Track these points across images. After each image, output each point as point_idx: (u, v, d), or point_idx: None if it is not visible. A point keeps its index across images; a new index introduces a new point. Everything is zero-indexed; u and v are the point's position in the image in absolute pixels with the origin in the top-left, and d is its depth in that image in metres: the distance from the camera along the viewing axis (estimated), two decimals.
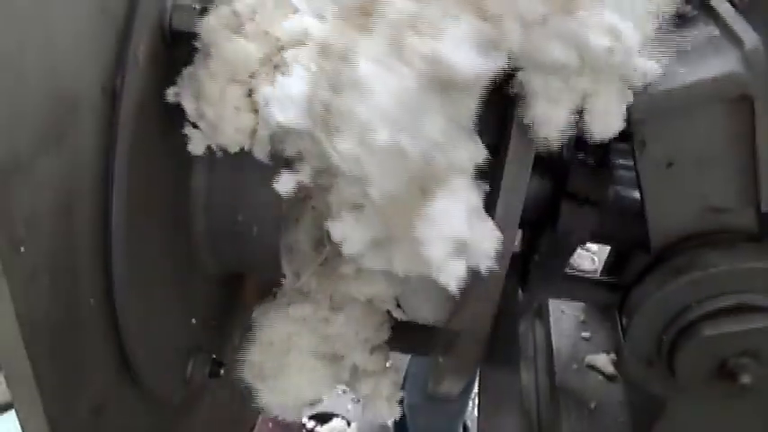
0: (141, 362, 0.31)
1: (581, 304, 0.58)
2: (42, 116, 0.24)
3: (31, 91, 0.23)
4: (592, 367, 0.54)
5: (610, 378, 0.53)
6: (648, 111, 0.27)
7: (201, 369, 0.38)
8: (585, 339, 0.56)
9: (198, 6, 0.28)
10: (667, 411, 0.36)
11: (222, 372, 0.39)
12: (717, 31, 0.28)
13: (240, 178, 0.33)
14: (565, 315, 0.59)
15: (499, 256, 0.28)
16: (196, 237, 0.35)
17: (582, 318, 0.59)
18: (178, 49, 0.29)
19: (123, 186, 0.27)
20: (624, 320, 0.33)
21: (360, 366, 0.41)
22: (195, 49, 0.29)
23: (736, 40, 0.26)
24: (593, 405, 0.51)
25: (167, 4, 0.28)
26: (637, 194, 0.31)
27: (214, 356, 0.38)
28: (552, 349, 0.55)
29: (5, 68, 0.22)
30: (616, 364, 0.53)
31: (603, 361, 0.54)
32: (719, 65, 0.26)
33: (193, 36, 0.28)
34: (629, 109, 0.28)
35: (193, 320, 0.38)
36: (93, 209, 0.27)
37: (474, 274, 0.31)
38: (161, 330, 0.33)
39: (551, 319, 0.58)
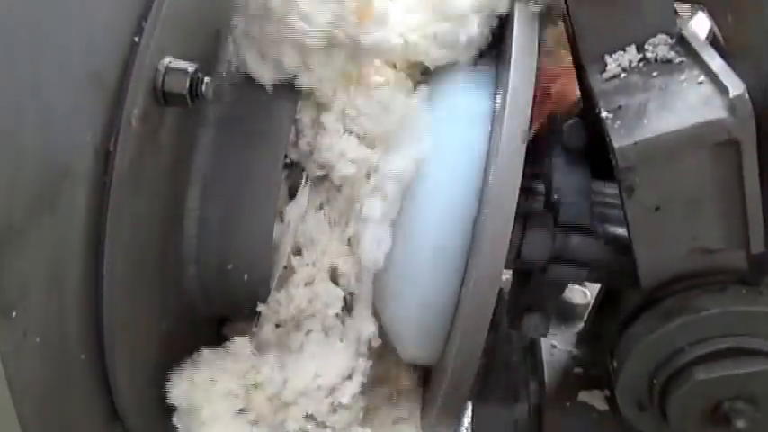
0: (131, 415, 0.31)
1: (573, 338, 0.58)
2: (37, 184, 0.24)
3: (27, 160, 0.24)
4: (585, 404, 0.54)
5: (603, 415, 0.52)
6: (636, 159, 0.27)
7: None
8: (578, 375, 0.56)
9: (191, 69, 0.28)
10: None
11: None
12: (702, 77, 0.29)
13: (232, 230, 0.33)
14: (556, 350, 0.58)
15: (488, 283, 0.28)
16: (186, 284, 0.35)
17: (574, 352, 0.58)
18: (171, 107, 0.29)
19: (114, 247, 0.27)
20: (615, 363, 0.33)
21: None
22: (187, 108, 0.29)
23: (721, 86, 0.27)
24: None
25: (160, 67, 0.28)
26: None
27: None
28: (544, 385, 0.55)
29: (3, 143, 0.22)
30: (609, 400, 0.52)
31: (597, 398, 0.54)
32: (705, 111, 0.26)
33: (186, 97, 0.28)
34: (616, 157, 0.28)
35: (182, 365, 0.37)
36: (84, 270, 0.27)
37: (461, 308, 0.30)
38: (151, 383, 0.33)
39: (543, 354, 0.57)
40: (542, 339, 0.59)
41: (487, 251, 0.29)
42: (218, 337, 0.42)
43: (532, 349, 0.59)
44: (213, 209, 0.33)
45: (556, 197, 0.34)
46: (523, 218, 0.33)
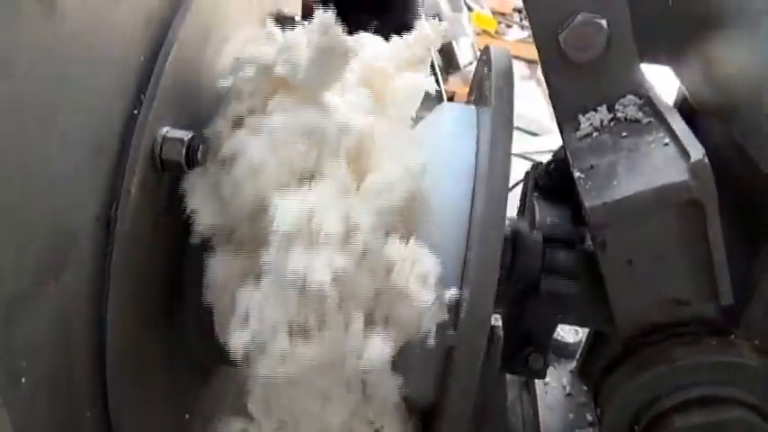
0: None
1: (567, 375, 0.59)
2: (43, 252, 0.26)
3: (35, 230, 0.25)
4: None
5: None
6: (606, 217, 0.29)
7: None
8: (572, 412, 0.57)
9: (187, 137, 0.30)
10: None
11: None
12: (667, 138, 0.30)
13: None
14: (550, 387, 0.59)
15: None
16: (188, 332, 0.36)
17: (568, 390, 0.59)
18: (168, 173, 0.31)
19: (118, 306, 0.29)
20: (598, 411, 0.34)
21: None
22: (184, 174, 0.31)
23: (683, 151, 0.28)
24: None
25: (158, 137, 0.30)
26: None
27: None
28: (539, 425, 0.56)
29: (12, 217, 0.24)
30: None
31: None
32: (669, 174, 0.28)
33: (182, 164, 0.30)
34: (588, 216, 0.29)
35: (186, 415, 0.39)
36: (90, 331, 0.28)
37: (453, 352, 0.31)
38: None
39: (537, 393, 0.58)
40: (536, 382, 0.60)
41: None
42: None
43: (528, 387, 0.60)
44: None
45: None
46: (512, 239, 0.34)
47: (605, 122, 0.34)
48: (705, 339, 0.31)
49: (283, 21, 0.47)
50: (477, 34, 2.01)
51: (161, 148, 0.30)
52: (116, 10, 0.28)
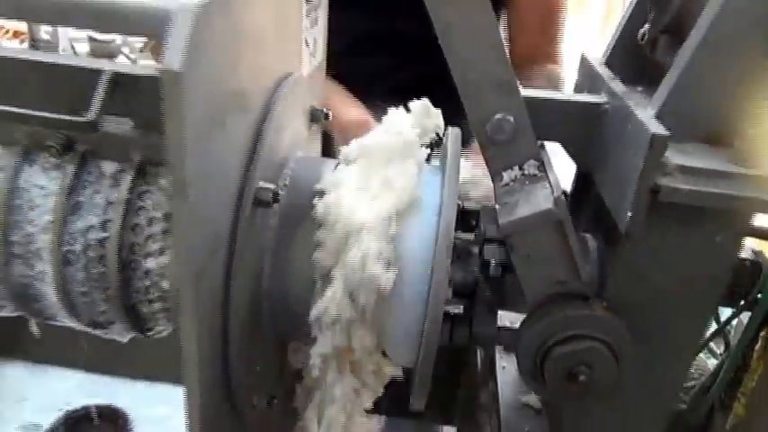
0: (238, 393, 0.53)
1: None
2: (210, 241, 0.47)
3: (208, 228, 0.47)
4: (526, 404, 0.75)
5: (537, 411, 0.74)
6: (510, 230, 0.51)
7: (263, 400, 0.60)
8: (522, 386, 0.78)
9: (273, 187, 0.52)
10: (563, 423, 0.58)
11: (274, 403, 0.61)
12: (547, 185, 0.53)
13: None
14: (506, 370, 0.80)
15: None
16: (264, 316, 0.58)
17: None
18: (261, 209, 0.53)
19: (236, 288, 0.51)
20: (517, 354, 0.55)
21: None
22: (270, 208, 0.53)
23: (552, 192, 0.51)
24: (527, 429, 0.72)
25: (257, 187, 0.52)
26: None
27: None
28: (498, 396, 0.77)
29: (200, 218, 0.46)
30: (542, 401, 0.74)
31: (533, 400, 0.75)
32: (544, 204, 0.50)
33: (270, 203, 0.52)
34: (501, 229, 0.51)
35: (258, 368, 0.60)
36: (221, 295, 0.50)
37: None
38: (249, 375, 0.56)
39: (498, 374, 0.80)
40: (497, 363, 0.81)
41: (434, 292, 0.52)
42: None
43: (492, 369, 0.81)
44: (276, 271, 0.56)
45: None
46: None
47: (517, 176, 0.56)
48: (575, 302, 0.53)
49: (316, 115, 0.71)
50: None
51: (257, 194, 0.52)
52: (246, 117, 0.51)
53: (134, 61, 4.23)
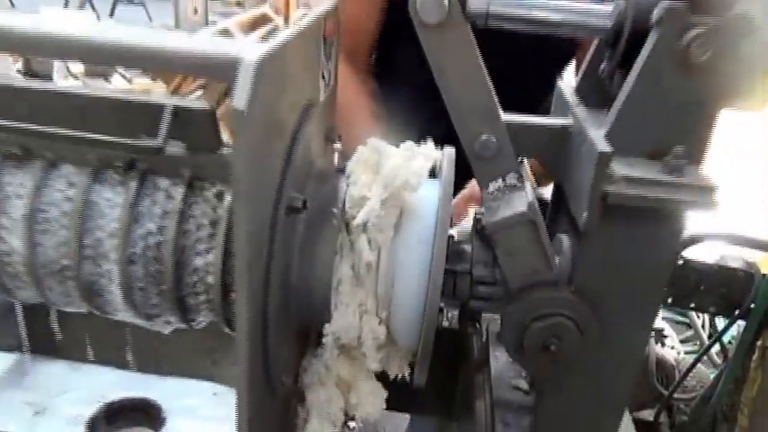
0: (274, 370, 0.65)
1: None
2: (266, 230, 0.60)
3: (264, 218, 0.59)
4: (516, 387, 0.87)
5: (526, 393, 0.86)
6: (493, 228, 0.63)
7: (289, 379, 0.72)
8: (513, 371, 0.90)
9: (302, 197, 0.65)
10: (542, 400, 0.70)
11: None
12: (524, 193, 0.65)
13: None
14: (498, 358, 0.92)
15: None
16: (291, 306, 0.70)
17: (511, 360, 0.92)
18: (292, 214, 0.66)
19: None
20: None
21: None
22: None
23: (527, 197, 0.63)
24: (516, 405, 0.83)
25: (291, 195, 0.64)
26: None
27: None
28: (491, 379, 0.88)
29: (256, 207, 0.58)
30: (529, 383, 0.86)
31: (522, 383, 0.87)
32: (519, 207, 0.63)
33: (301, 210, 0.65)
34: (486, 228, 0.64)
35: (286, 351, 0.72)
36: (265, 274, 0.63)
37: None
38: (279, 357, 0.68)
39: (492, 362, 0.91)
40: (491, 355, 0.93)
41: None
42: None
43: (488, 360, 0.93)
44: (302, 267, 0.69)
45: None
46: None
47: (500, 186, 0.68)
48: (547, 287, 0.65)
49: (331, 136, 0.84)
50: None
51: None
52: (282, 139, 0.63)
53: (129, 80, 4.38)
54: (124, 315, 0.78)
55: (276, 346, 0.67)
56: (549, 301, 0.64)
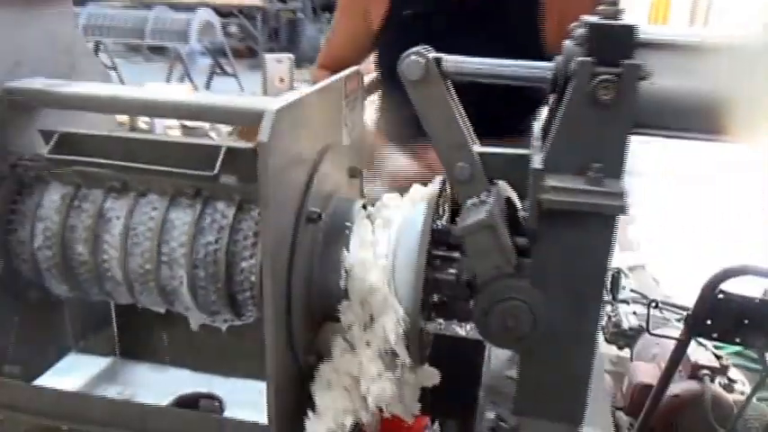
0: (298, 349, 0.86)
1: None
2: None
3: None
4: (509, 377, 1.03)
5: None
6: (462, 233, 0.82)
7: (313, 358, 0.92)
8: (509, 360, 1.06)
9: (318, 210, 0.86)
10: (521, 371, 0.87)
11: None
12: (489, 207, 0.84)
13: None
14: (495, 356, 1.09)
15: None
16: (314, 299, 0.91)
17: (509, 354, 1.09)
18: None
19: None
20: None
21: None
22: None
23: (490, 207, 0.82)
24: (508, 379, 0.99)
25: (311, 210, 0.86)
26: None
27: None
28: (488, 372, 1.05)
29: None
30: None
31: (513, 373, 1.03)
32: (481, 215, 0.81)
33: (318, 220, 0.86)
34: (457, 233, 0.83)
35: (310, 335, 0.92)
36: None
37: None
38: (305, 339, 0.88)
39: (491, 358, 1.08)
40: (491, 353, 1.10)
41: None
42: None
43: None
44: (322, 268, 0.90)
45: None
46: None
47: (476, 202, 0.87)
48: (507, 279, 0.83)
49: (354, 172, 1.06)
50: None
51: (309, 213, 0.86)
52: (303, 168, 0.85)
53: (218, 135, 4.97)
54: (192, 312, 1.01)
55: (300, 329, 0.87)
56: (508, 289, 0.81)
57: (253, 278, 0.92)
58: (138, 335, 1.32)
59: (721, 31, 0.77)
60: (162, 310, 1.04)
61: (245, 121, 0.77)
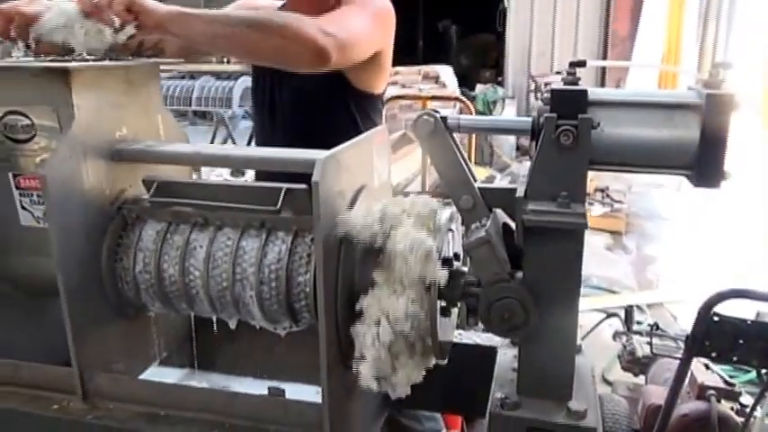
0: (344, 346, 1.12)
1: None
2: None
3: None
4: (513, 369, 1.27)
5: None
6: (467, 247, 1.07)
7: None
8: (514, 357, 1.30)
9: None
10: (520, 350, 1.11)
11: None
12: (487, 228, 1.09)
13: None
14: (504, 354, 1.33)
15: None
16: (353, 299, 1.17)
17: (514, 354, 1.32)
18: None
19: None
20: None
21: None
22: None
23: (488, 228, 1.08)
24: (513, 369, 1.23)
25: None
26: None
27: None
28: (498, 367, 1.29)
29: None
30: None
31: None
32: (479, 236, 1.07)
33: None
34: (463, 247, 1.08)
35: None
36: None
37: None
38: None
39: (498, 357, 1.32)
40: (499, 352, 1.34)
41: None
42: None
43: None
44: (362, 276, 1.16)
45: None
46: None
47: (478, 226, 1.13)
48: (504, 283, 1.08)
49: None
50: None
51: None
52: (343, 203, 1.13)
53: None
54: (259, 321, 1.27)
55: (345, 329, 1.13)
56: (504, 290, 1.06)
57: (307, 289, 1.19)
58: (211, 350, 1.58)
59: (653, 90, 1.03)
60: (234, 324, 1.30)
61: (302, 168, 1.05)
